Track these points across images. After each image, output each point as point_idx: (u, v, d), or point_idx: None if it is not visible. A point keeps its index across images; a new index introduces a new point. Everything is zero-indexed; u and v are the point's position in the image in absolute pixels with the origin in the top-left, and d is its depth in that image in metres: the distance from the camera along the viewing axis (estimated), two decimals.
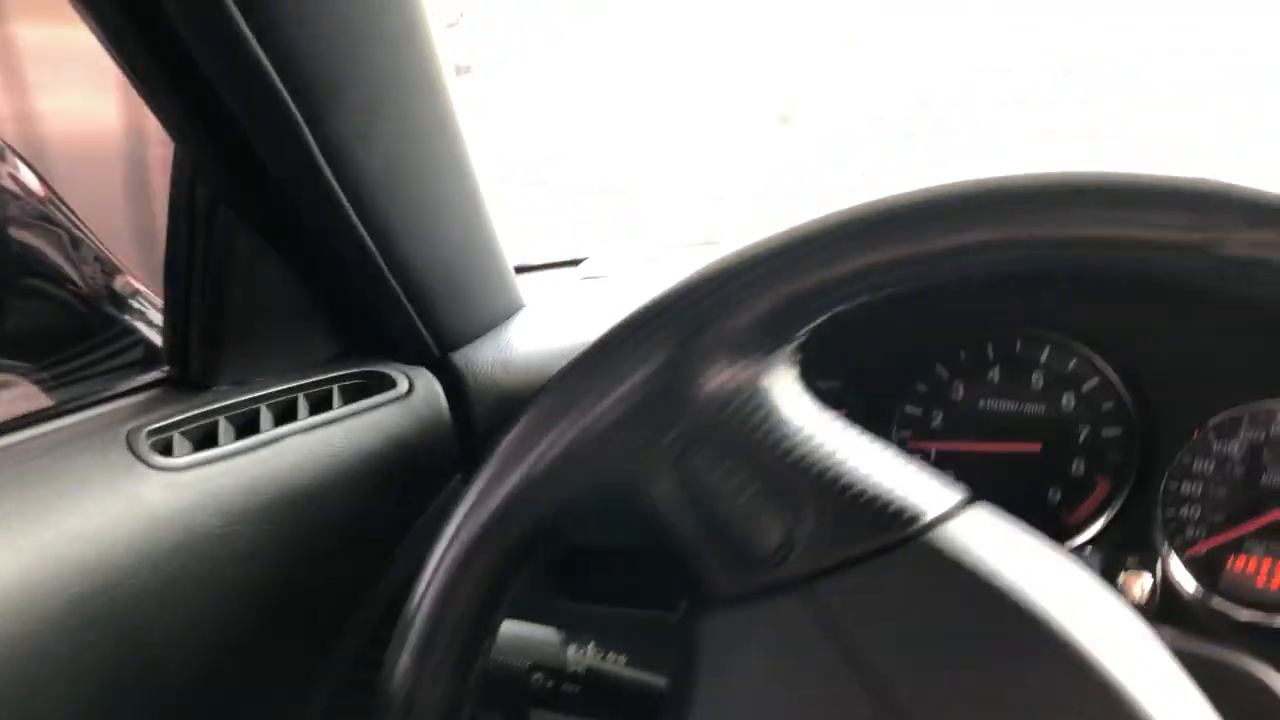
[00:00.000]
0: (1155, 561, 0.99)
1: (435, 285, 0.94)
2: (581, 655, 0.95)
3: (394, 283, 0.89)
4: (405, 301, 0.93)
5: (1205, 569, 1.01)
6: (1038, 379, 1.04)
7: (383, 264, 0.86)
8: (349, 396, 0.93)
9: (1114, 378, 1.01)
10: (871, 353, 1.05)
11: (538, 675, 0.92)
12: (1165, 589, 0.99)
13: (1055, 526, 1.04)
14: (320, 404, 0.92)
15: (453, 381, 1.01)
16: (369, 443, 0.91)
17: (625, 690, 0.91)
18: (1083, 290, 0.99)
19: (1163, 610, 0.99)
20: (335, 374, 0.95)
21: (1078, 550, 0.97)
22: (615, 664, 0.92)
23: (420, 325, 0.97)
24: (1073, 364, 1.03)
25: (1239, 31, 2.44)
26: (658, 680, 0.90)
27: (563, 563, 1.09)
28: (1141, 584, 0.84)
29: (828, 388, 1.08)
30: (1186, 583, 1.01)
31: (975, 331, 1.04)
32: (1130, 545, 0.99)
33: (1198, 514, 1.01)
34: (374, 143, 0.74)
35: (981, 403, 1.05)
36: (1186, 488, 1.01)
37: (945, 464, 1.07)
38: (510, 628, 0.96)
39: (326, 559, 0.89)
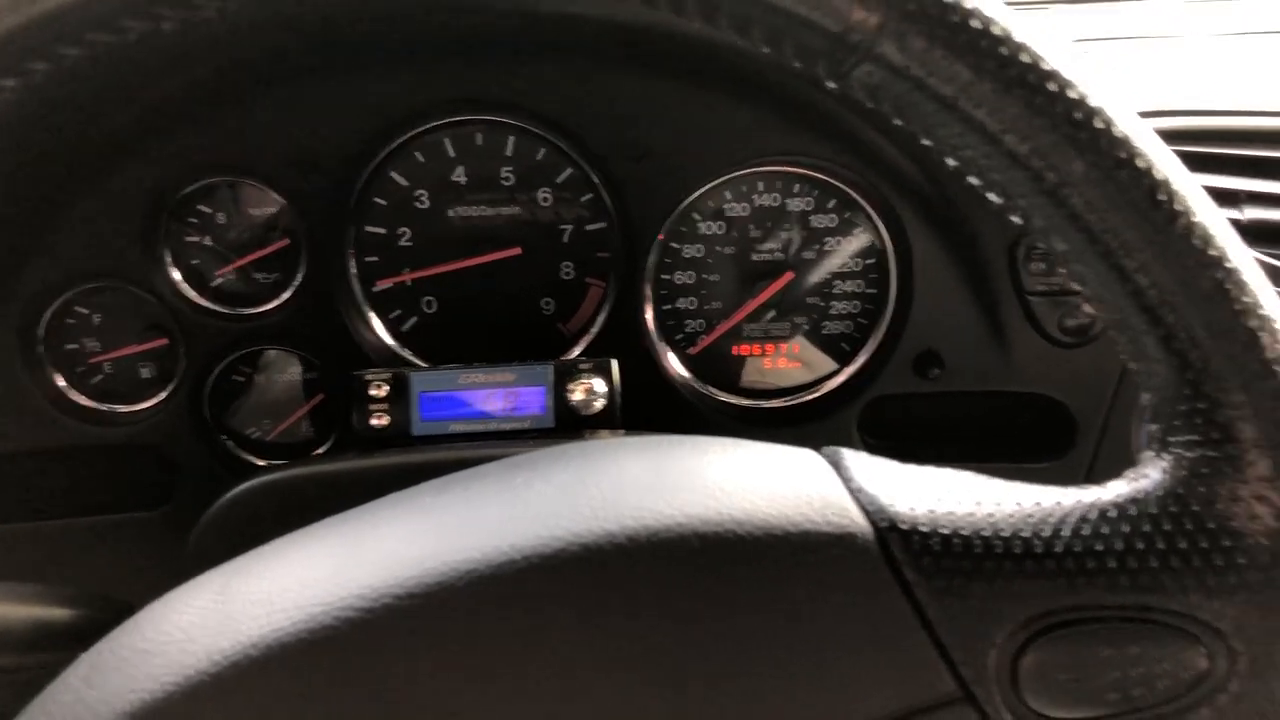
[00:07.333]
0: (647, 362, 0.90)
1: None
2: None
3: None
4: None
5: (711, 364, 0.93)
6: (508, 175, 0.88)
7: None
8: None
9: (586, 165, 0.87)
10: (310, 165, 0.84)
11: None
12: (665, 387, 0.91)
13: (552, 340, 0.92)
14: None
15: None
16: None
17: None
18: (532, 62, 0.82)
19: (667, 409, 0.91)
20: None
21: (571, 363, 0.85)
22: None
23: None
24: (542, 154, 0.88)
25: None
26: None
27: None
28: (593, 389, 0.74)
29: (263, 215, 0.87)
30: (691, 379, 0.93)
31: (425, 126, 0.86)
32: (627, 350, 0.89)
33: (694, 305, 0.92)
34: None
35: (451, 211, 0.89)
36: (679, 278, 0.91)
37: (425, 291, 0.90)
38: None
39: None
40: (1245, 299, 0.35)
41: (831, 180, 0.88)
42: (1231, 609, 0.35)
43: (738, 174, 0.87)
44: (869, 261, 0.90)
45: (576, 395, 0.74)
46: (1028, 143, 0.35)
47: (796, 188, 0.89)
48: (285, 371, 0.90)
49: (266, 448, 0.92)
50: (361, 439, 0.74)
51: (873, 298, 0.91)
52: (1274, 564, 0.35)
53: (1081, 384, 0.86)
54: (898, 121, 0.36)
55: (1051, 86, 0.34)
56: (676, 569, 0.36)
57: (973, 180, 0.37)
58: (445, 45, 0.82)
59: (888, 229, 0.88)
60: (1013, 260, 0.83)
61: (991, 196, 0.37)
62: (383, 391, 0.73)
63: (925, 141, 0.37)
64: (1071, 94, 0.34)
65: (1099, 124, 0.34)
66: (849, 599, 0.36)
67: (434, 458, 0.69)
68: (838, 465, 0.39)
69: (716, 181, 0.87)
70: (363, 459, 0.68)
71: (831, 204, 0.89)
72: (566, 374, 0.75)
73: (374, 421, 0.73)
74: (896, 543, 0.36)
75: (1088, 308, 0.83)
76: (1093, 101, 0.34)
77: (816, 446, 0.41)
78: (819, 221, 0.90)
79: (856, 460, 0.39)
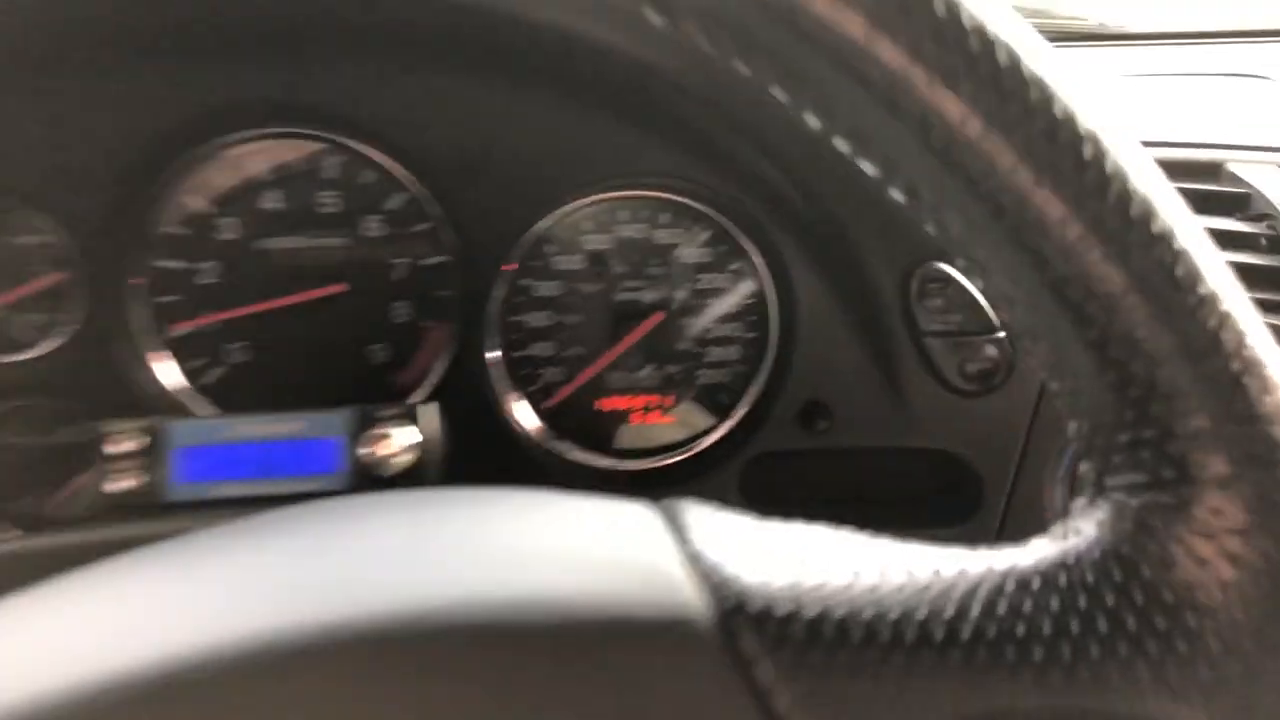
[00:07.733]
0: (492, 415, 0.78)
1: None
2: None
3: None
4: None
5: (571, 418, 0.81)
6: (331, 200, 0.76)
7: None
8: None
9: (422, 191, 0.75)
10: (81, 180, 0.71)
11: None
12: (513, 444, 0.78)
13: (385, 391, 0.78)
14: None
15: None
16: None
17: None
18: (351, 59, 0.71)
19: (515, 470, 0.78)
20: None
21: (375, 410, 0.70)
22: None
23: None
24: (369, 174, 0.76)
25: None
26: None
27: None
28: (401, 440, 0.61)
29: (29, 243, 0.73)
30: (543, 435, 0.80)
31: (224, 138, 0.73)
32: (471, 401, 0.76)
33: (551, 350, 0.80)
34: None
35: (263, 242, 0.76)
36: (533, 319, 0.79)
37: (233, 335, 0.77)
38: None
39: None
40: (1200, 289, 0.26)
41: (704, 209, 0.77)
42: (1203, 712, 0.26)
43: (597, 198, 0.76)
44: (748, 301, 0.80)
45: (381, 449, 0.61)
46: (907, 83, 0.25)
47: (666, 217, 0.78)
48: (56, 431, 0.75)
49: (34, 521, 0.76)
50: (112, 506, 0.59)
51: (753, 342, 0.80)
52: (1259, 648, 0.26)
53: (986, 437, 0.76)
54: (742, 67, 0.26)
55: (939, 9, 0.24)
56: (446, 667, 0.26)
57: (842, 143, 0.27)
58: (248, 39, 0.70)
59: (768, 264, 0.78)
60: (905, 296, 0.73)
61: (867, 165, 0.27)
62: (133, 447, 0.59)
63: (779, 93, 0.27)
64: (966, 20, 0.24)
65: (1003, 59, 0.25)
66: (681, 706, 0.26)
67: (179, 528, 0.55)
68: (675, 522, 0.30)
69: (571, 206, 0.76)
70: (80, 531, 0.54)
71: (705, 236, 0.79)
72: (368, 422, 0.62)
73: (118, 485, 0.59)
74: (745, 627, 0.26)
75: (990, 350, 0.73)
76: (993, 31, 0.24)
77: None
78: (691, 256, 0.79)
79: (700, 516, 0.29)
